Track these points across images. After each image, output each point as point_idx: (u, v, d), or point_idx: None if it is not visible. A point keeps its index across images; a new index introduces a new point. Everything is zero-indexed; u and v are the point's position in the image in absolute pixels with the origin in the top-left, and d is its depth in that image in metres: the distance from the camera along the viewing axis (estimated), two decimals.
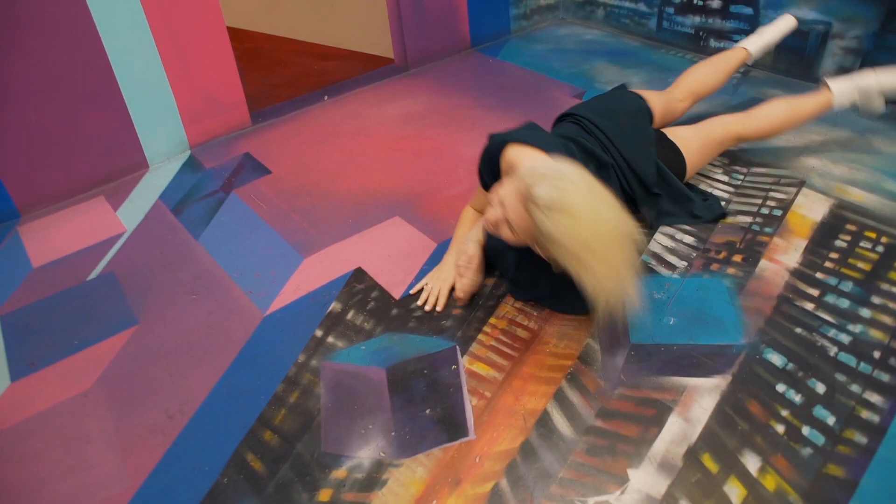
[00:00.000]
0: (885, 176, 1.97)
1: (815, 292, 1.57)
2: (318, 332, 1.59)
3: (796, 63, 2.57)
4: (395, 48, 2.91)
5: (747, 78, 2.66)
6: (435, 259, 1.79)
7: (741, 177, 2.02)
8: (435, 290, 1.64)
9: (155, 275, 1.86)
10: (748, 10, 2.65)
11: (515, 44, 3.25)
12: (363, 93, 2.85)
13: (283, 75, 2.61)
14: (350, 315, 1.64)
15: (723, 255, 1.72)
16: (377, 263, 1.81)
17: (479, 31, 3.16)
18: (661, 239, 1.79)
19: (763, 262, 1.68)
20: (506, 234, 1.37)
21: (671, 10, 2.92)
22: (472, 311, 1.62)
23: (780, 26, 2.34)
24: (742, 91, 2.55)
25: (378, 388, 1.43)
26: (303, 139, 2.51)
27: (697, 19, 2.84)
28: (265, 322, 1.65)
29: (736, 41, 2.73)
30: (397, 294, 1.69)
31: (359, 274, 1.77)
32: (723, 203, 1.90)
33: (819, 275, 1.62)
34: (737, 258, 1.71)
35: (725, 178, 2.02)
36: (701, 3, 2.80)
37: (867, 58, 2.42)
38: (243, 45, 2.47)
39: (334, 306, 1.67)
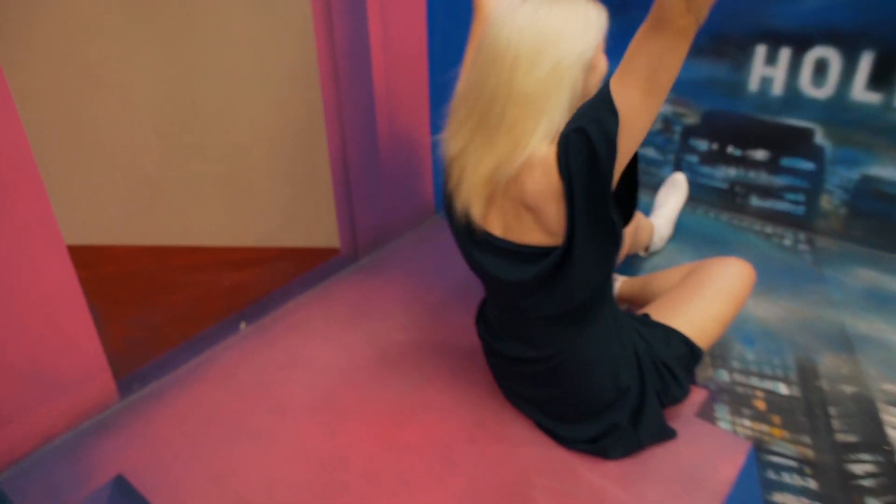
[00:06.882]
0: None
1: None
2: None
3: (877, 230, 2.00)
4: (341, 233, 1.95)
5: (817, 251, 2.04)
6: None
7: None
8: None
9: None
10: (808, 166, 2.06)
11: None
12: (297, 307, 1.84)
13: (175, 306, 1.55)
14: None
15: None
16: None
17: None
18: None
19: None
20: None
21: (694, 158, 2.28)
22: None
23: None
24: (819, 271, 1.91)
25: None
26: (206, 412, 1.44)
27: (733, 172, 2.21)
28: None
29: (788, 199, 2.13)
30: None
31: None
32: None
33: None
34: None
35: None
36: (738, 153, 2.17)
37: None
38: (101, 272, 1.39)
39: None
